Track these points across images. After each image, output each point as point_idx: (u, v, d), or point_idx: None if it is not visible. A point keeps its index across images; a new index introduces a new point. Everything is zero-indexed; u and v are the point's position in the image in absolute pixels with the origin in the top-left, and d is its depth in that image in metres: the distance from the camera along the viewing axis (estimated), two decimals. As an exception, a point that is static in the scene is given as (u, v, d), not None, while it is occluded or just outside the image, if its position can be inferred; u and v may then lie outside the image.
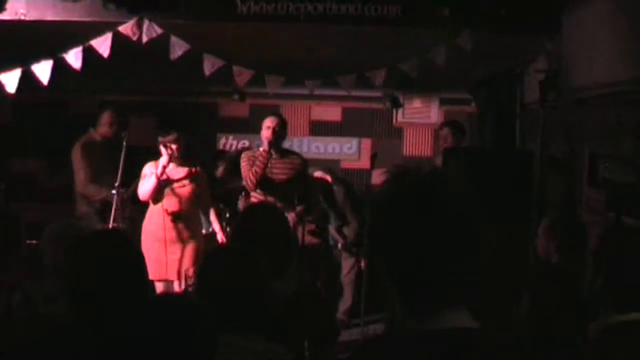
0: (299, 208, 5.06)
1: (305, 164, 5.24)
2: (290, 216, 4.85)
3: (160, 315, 1.62)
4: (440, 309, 1.30)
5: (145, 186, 5.03)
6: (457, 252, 1.28)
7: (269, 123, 5.04)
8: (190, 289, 4.13)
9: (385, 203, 1.35)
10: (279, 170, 5.02)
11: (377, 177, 6.47)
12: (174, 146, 5.00)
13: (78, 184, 5.63)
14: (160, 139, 5.06)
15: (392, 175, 1.36)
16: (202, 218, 5.45)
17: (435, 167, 5.45)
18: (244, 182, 5.15)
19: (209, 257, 2.32)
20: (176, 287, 4.98)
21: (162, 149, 5.00)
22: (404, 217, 1.30)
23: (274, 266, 2.55)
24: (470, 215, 1.31)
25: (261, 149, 5.07)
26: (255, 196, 5.01)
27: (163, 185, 5.02)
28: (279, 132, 5.01)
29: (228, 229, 5.48)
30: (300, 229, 5.10)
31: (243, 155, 5.27)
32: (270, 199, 4.86)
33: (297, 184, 5.10)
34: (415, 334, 1.29)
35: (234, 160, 6.73)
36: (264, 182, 4.97)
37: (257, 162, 4.91)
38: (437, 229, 1.27)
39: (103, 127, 5.69)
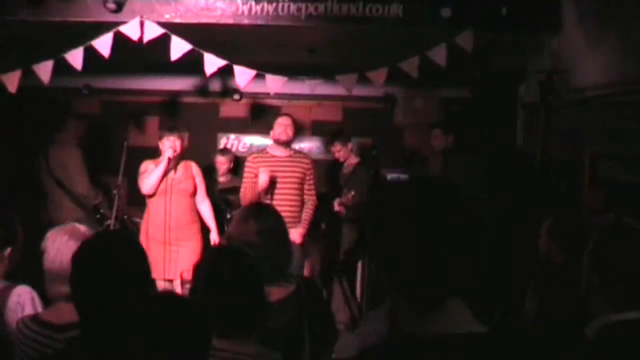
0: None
1: (313, 165, 5.25)
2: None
3: (156, 313, 1.63)
4: (442, 309, 1.31)
5: (150, 179, 5.00)
6: (457, 252, 1.31)
7: (282, 121, 5.08)
8: (186, 290, 4.13)
9: (391, 207, 1.38)
10: (288, 171, 5.02)
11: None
12: (177, 142, 5.03)
13: (79, 187, 5.65)
14: (165, 135, 5.08)
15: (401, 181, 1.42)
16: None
17: (437, 175, 5.53)
18: (241, 196, 5.15)
19: (203, 258, 2.32)
20: (176, 287, 4.98)
21: (165, 145, 5.01)
22: (406, 219, 1.33)
23: (271, 268, 2.55)
24: (468, 218, 1.34)
25: (267, 148, 5.10)
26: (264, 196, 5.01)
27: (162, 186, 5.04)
28: (292, 131, 5.08)
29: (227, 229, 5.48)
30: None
31: (249, 157, 5.26)
32: (277, 199, 4.86)
33: (305, 184, 5.11)
34: (422, 339, 1.29)
35: (234, 160, 6.76)
36: (272, 182, 4.98)
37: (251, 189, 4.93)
38: (438, 230, 1.31)
39: (78, 131, 5.91)
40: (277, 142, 5.07)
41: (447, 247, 1.30)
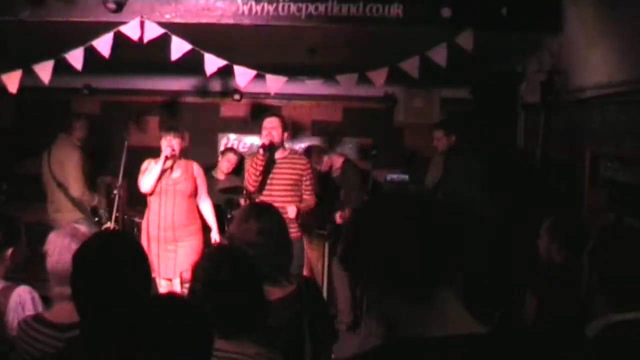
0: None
1: (310, 165, 5.20)
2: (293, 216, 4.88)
3: (156, 314, 1.63)
4: (440, 311, 1.31)
5: (147, 178, 5.02)
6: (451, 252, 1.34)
7: (267, 124, 5.00)
8: (186, 290, 4.13)
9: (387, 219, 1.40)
10: (283, 172, 5.00)
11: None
12: (175, 141, 5.03)
13: (72, 189, 5.64)
14: (163, 134, 5.09)
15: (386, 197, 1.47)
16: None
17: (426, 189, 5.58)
18: (245, 184, 5.14)
19: (202, 258, 2.32)
20: (176, 287, 4.99)
21: (164, 144, 5.01)
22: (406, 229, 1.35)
23: (271, 268, 2.55)
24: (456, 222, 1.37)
25: (260, 151, 5.07)
26: (259, 197, 4.99)
27: (162, 184, 5.04)
28: (279, 134, 4.93)
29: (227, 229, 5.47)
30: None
31: (247, 157, 5.25)
32: (273, 200, 4.84)
33: (302, 185, 5.09)
34: (421, 341, 1.29)
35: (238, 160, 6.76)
36: (268, 183, 4.96)
37: (254, 165, 4.88)
38: (432, 235, 1.34)
39: (80, 131, 5.84)
40: (262, 147, 4.89)
41: (446, 247, 1.31)
